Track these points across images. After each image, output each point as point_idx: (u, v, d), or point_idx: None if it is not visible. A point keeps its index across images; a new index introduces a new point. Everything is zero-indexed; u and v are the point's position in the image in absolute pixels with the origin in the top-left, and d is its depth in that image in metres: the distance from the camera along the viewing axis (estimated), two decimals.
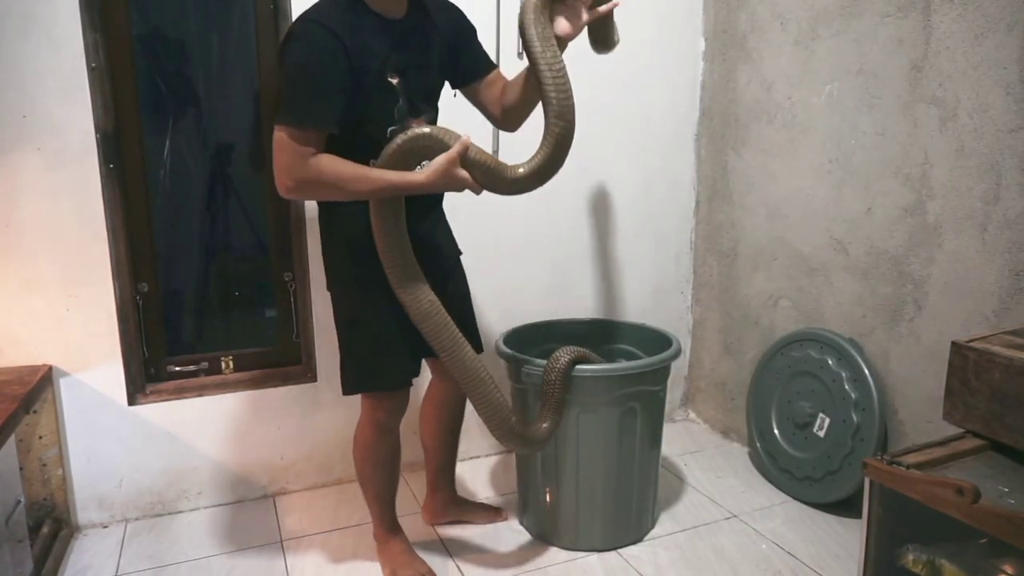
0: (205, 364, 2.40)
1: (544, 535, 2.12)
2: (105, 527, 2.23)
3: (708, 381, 2.94)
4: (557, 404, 1.90)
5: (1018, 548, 1.26)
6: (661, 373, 2.08)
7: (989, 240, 1.86)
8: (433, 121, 1.76)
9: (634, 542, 2.12)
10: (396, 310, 1.68)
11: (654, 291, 2.89)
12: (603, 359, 2.07)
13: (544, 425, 1.87)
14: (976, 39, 1.84)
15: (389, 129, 1.60)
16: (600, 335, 2.43)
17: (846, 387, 2.17)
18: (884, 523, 1.51)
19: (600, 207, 2.71)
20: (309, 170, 1.48)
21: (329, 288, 1.82)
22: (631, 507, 2.10)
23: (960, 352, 1.53)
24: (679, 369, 2.99)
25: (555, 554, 2.07)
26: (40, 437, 2.10)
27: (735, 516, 2.26)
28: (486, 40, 2.40)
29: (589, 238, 2.72)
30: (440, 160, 1.51)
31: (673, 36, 2.71)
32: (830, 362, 2.23)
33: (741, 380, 2.72)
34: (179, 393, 2.30)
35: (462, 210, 2.47)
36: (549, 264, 2.68)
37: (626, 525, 2.12)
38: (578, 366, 1.93)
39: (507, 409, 1.76)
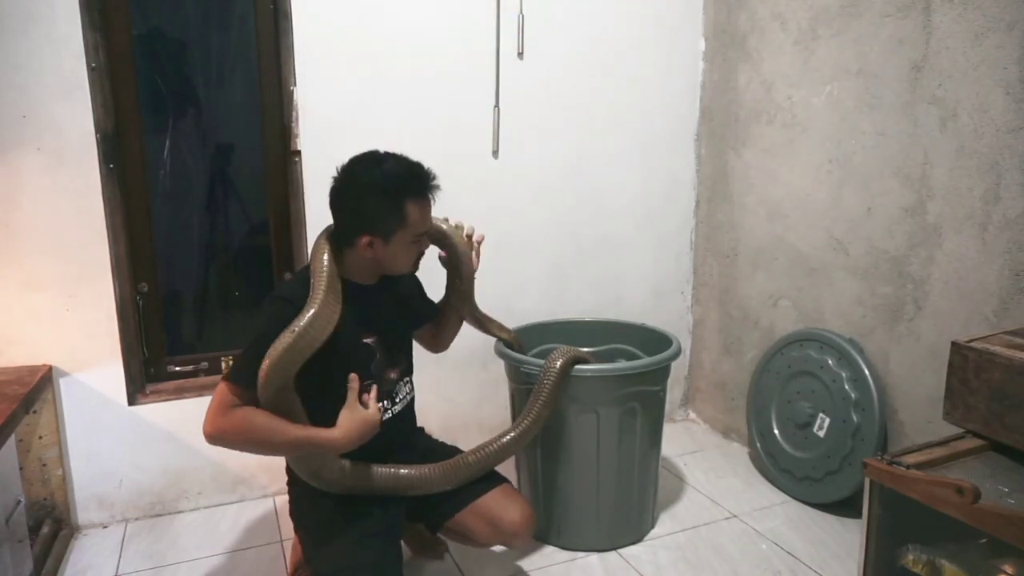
0: (205, 364, 2.40)
1: (544, 535, 2.12)
2: (105, 527, 2.23)
3: (708, 381, 2.94)
4: (546, 401, 1.89)
5: (1018, 548, 1.26)
6: (661, 373, 2.08)
7: (989, 240, 1.86)
8: (408, 369, 1.82)
9: (634, 542, 2.12)
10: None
11: (654, 291, 2.89)
12: (597, 360, 2.06)
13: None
14: (976, 39, 1.84)
15: (366, 382, 1.63)
16: (600, 335, 2.43)
17: (846, 387, 2.17)
18: (884, 523, 1.51)
19: (600, 207, 2.71)
20: (227, 421, 1.50)
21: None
22: (631, 507, 2.10)
23: (960, 352, 1.53)
24: (679, 369, 2.99)
25: (555, 554, 2.07)
26: (40, 437, 2.10)
27: (735, 516, 2.26)
28: (485, 40, 2.42)
29: (589, 238, 2.72)
30: (347, 418, 1.56)
31: (673, 36, 2.71)
32: (830, 362, 2.23)
33: (741, 380, 2.72)
34: (179, 393, 2.29)
35: (462, 211, 2.47)
36: (549, 264, 2.68)
37: (626, 525, 2.12)
38: (577, 366, 1.93)
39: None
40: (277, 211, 2.38)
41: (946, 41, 1.91)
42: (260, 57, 2.28)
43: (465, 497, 1.77)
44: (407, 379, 1.83)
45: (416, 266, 1.71)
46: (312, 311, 1.50)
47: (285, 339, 1.47)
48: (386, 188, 1.54)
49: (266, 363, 1.47)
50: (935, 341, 2.00)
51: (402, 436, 1.81)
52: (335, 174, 1.60)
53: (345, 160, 1.62)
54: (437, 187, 1.61)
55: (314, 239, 1.68)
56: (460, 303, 1.93)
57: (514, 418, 2.20)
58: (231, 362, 1.58)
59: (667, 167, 2.81)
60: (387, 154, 1.60)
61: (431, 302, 1.97)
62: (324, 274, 1.56)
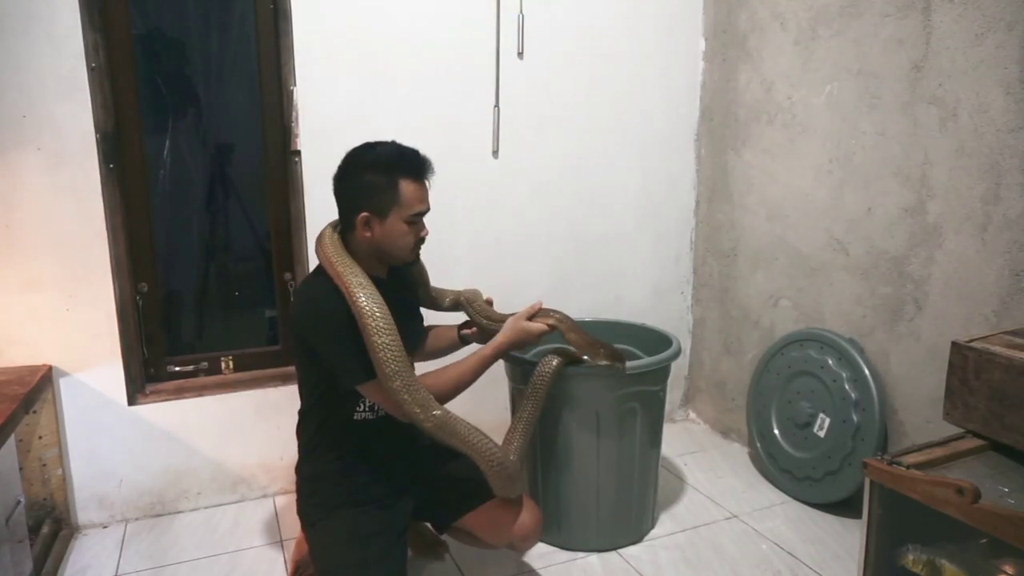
0: (205, 364, 2.40)
1: (544, 535, 2.11)
2: (105, 527, 2.23)
3: (708, 381, 2.94)
4: (537, 404, 1.86)
5: (1018, 548, 1.26)
6: (661, 373, 2.08)
7: (989, 240, 1.86)
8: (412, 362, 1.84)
9: (634, 542, 2.12)
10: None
11: (654, 291, 2.89)
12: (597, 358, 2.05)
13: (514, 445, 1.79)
14: (976, 39, 1.84)
15: None
16: (600, 335, 2.42)
17: (846, 387, 2.17)
18: (884, 523, 1.51)
19: (600, 207, 2.71)
20: (425, 398, 1.59)
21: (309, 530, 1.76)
22: (631, 507, 2.10)
23: (960, 352, 1.53)
24: (679, 369, 2.99)
25: (555, 554, 2.07)
26: (40, 437, 2.10)
27: (735, 516, 2.26)
28: (485, 40, 2.42)
29: (589, 238, 2.72)
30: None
31: (673, 36, 2.71)
32: (830, 362, 2.23)
33: (741, 380, 2.72)
34: (179, 393, 2.29)
35: (462, 210, 2.48)
36: (549, 264, 2.68)
37: (626, 525, 2.12)
38: (578, 366, 1.93)
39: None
40: (277, 211, 2.38)
41: (946, 41, 1.91)
42: (260, 57, 2.28)
43: (476, 499, 1.77)
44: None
45: (416, 254, 1.72)
46: (362, 291, 1.53)
47: (372, 332, 1.50)
48: (379, 165, 1.60)
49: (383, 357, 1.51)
50: (935, 341, 2.00)
51: (411, 430, 1.81)
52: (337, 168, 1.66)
53: None
54: (431, 171, 1.65)
55: (315, 240, 1.70)
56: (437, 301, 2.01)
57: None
58: (351, 371, 1.57)
59: (667, 167, 2.81)
60: (384, 141, 1.66)
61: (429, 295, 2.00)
62: (344, 256, 1.60)
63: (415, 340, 1.88)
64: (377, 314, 1.52)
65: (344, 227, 1.67)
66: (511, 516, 1.75)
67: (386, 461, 1.72)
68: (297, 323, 1.65)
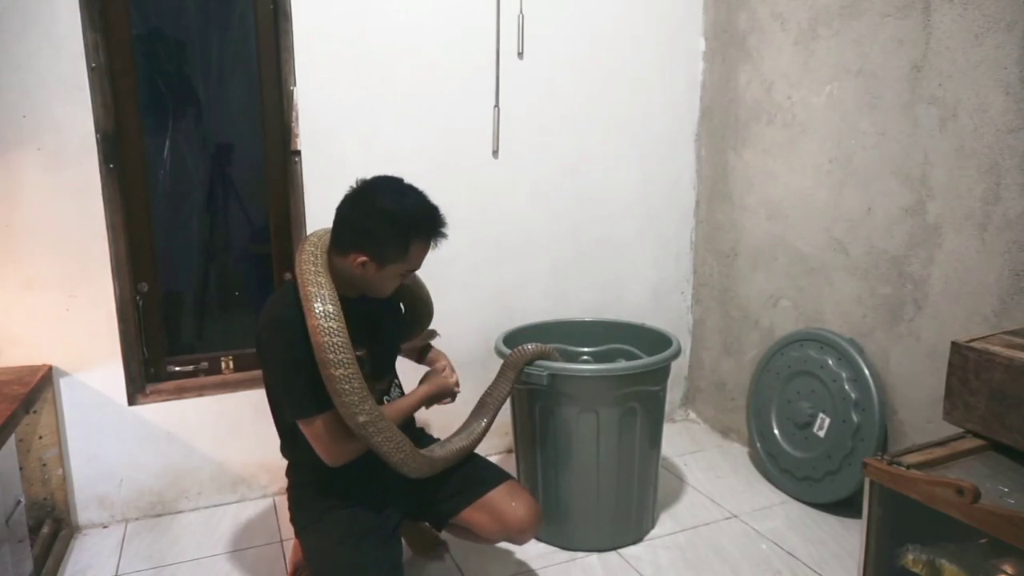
0: (205, 364, 2.40)
1: (544, 535, 2.12)
2: (105, 527, 2.23)
3: (708, 381, 2.94)
4: (502, 385, 1.92)
5: (1018, 548, 1.26)
6: (661, 373, 2.08)
7: (989, 240, 1.86)
8: (393, 378, 1.84)
9: (634, 542, 2.12)
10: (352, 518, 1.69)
11: (654, 291, 2.89)
12: (597, 360, 2.06)
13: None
14: (976, 39, 1.84)
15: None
16: (600, 335, 2.43)
17: (846, 387, 2.17)
18: (884, 523, 1.51)
19: (600, 207, 2.71)
20: (355, 443, 1.60)
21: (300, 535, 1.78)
22: (631, 507, 2.10)
23: (960, 352, 1.53)
24: (679, 369, 2.99)
25: (555, 554, 2.07)
26: (40, 437, 2.10)
27: (735, 516, 2.27)
28: (485, 39, 2.42)
29: (589, 238, 2.72)
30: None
31: (673, 36, 2.71)
32: (830, 362, 2.23)
33: (741, 380, 2.72)
34: (179, 393, 2.29)
35: (462, 210, 2.48)
36: (549, 264, 2.68)
37: (626, 525, 2.12)
38: (578, 366, 1.94)
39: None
40: (277, 211, 2.37)
41: (946, 41, 1.91)
42: (260, 57, 2.28)
43: (471, 494, 1.77)
44: (394, 384, 1.84)
45: (392, 293, 1.71)
46: (321, 304, 1.51)
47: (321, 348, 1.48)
48: (400, 221, 1.55)
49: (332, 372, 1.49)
50: (935, 341, 2.00)
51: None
52: (355, 184, 1.60)
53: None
54: (445, 236, 1.63)
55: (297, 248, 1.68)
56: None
57: (514, 417, 2.21)
58: (293, 402, 1.58)
59: (667, 167, 2.81)
60: (411, 188, 1.61)
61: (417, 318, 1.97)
62: (318, 276, 1.56)
63: (391, 355, 1.85)
64: (338, 345, 1.48)
65: (335, 246, 1.61)
66: (509, 509, 1.75)
67: (374, 463, 1.68)
68: (256, 343, 1.63)
